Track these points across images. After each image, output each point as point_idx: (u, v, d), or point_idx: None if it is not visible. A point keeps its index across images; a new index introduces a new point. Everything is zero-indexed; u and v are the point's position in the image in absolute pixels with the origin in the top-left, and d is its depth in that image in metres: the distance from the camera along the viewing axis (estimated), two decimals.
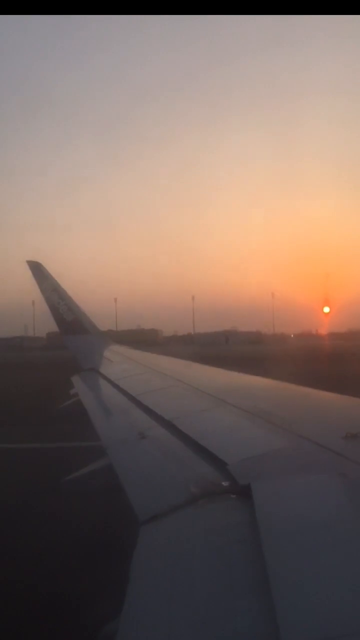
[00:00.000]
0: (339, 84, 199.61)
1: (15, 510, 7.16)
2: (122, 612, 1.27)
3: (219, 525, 1.67)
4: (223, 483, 1.98)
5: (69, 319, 10.09)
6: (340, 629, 1.07)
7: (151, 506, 1.94)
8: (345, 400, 3.48)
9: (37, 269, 10.17)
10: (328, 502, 1.72)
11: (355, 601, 1.15)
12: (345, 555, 1.35)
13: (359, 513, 1.62)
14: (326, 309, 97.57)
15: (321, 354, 39.14)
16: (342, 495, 1.77)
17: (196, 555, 1.51)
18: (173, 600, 1.30)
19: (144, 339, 71.99)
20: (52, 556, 5.69)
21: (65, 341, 10.16)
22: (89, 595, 4.59)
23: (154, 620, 1.25)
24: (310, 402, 3.74)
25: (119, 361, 8.08)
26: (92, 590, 4.66)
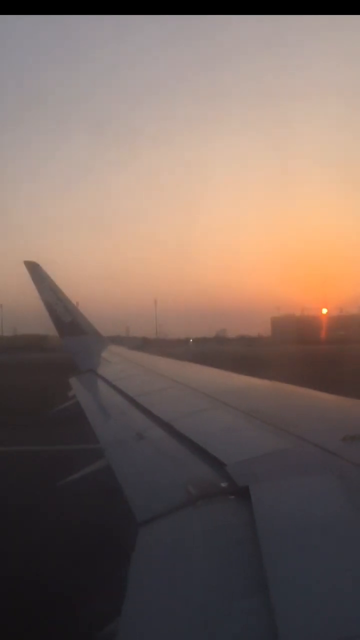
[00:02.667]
0: (339, 84, 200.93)
1: (14, 513, 7.14)
2: (122, 613, 1.28)
3: (217, 527, 1.68)
4: (221, 484, 1.98)
5: (66, 320, 10.04)
6: (338, 631, 1.08)
7: (150, 507, 1.94)
8: (344, 402, 3.48)
9: (35, 270, 10.11)
10: (326, 504, 1.72)
11: (353, 603, 1.16)
12: (343, 557, 1.36)
13: (358, 515, 1.63)
14: (324, 310, 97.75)
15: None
16: (341, 497, 1.77)
17: (195, 556, 1.52)
18: (172, 601, 1.31)
19: (36, 344, 74.01)
20: (51, 558, 5.69)
21: (64, 343, 10.13)
22: (89, 596, 4.59)
23: (153, 621, 1.26)
24: (309, 403, 3.75)
25: (117, 362, 8.07)
26: (92, 591, 4.66)
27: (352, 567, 1.30)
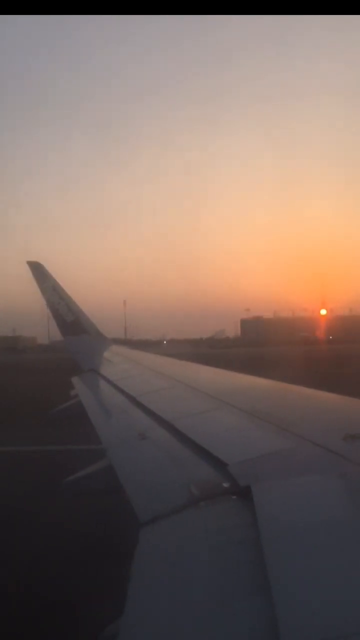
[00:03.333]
0: (339, 84, 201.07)
1: (15, 512, 7.14)
2: (123, 612, 1.28)
3: (219, 527, 1.67)
4: (223, 484, 1.98)
5: (69, 319, 10.05)
6: (340, 630, 1.07)
7: (152, 507, 1.94)
8: (344, 401, 3.48)
9: (38, 270, 10.10)
10: (328, 503, 1.72)
11: (355, 602, 1.15)
12: (345, 557, 1.35)
13: None
14: (323, 311, 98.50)
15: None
16: (343, 496, 1.77)
17: (197, 556, 1.51)
18: (174, 601, 1.30)
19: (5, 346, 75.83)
20: (53, 558, 5.69)
21: (66, 342, 10.14)
22: (91, 595, 4.59)
23: (155, 621, 1.25)
24: (310, 402, 3.74)
25: (119, 362, 8.07)
26: (93, 591, 4.66)
27: (354, 567, 1.29)
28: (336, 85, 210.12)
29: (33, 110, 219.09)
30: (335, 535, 1.48)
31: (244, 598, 1.26)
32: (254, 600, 1.23)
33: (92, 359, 8.59)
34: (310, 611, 1.12)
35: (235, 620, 1.19)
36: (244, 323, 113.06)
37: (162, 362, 8.14)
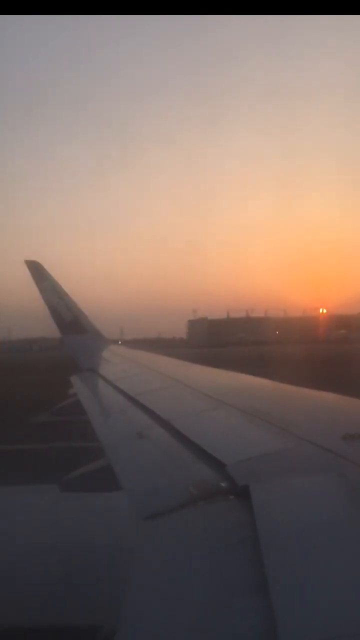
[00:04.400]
0: (340, 83, 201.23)
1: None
2: (120, 612, 1.27)
3: (217, 526, 1.67)
4: (221, 484, 1.97)
5: (67, 318, 10.05)
6: (338, 630, 1.07)
7: (150, 507, 1.93)
8: (343, 401, 3.48)
9: (36, 269, 10.10)
10: (327, 503, 1.72)
11: (354, 602, 1.15)
12: (344, 557, 1.35)
13: (358, 514, 1.62)
14: (322, 310, 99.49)
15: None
16: (341, 496, 1.76)
17: (194, 556, 1.51)
18: (171, 600, 1.30)
19: None
20: (50, 558, 5.67)
21: (65, 341, 10.13)
22: (87, 595, 4.57)
23: (152, 620, 1.25)
24: (308, 402, 3.74)
25: (118, 361, 8.08)
26: (90, 590, 4.64)
27: (352, 567, 1.29)
28: (336, 85, 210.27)
29: (33, 110, 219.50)
30: (334, 535, 1.47)
31: (242, 597, 1.26)
32: (252, 599, 1.22)
33: (90, 358, 8.59)
34: (309, 611, 1.12)
35: (233, 620, 1.19)
36: (191, 324, 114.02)
37: (162, 362, 8.14)
